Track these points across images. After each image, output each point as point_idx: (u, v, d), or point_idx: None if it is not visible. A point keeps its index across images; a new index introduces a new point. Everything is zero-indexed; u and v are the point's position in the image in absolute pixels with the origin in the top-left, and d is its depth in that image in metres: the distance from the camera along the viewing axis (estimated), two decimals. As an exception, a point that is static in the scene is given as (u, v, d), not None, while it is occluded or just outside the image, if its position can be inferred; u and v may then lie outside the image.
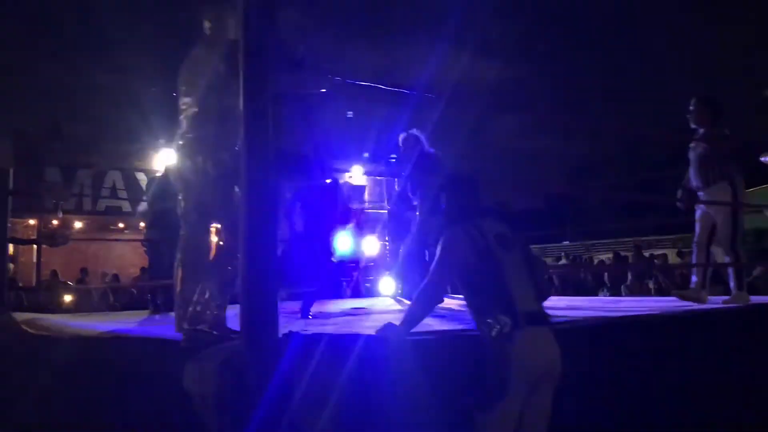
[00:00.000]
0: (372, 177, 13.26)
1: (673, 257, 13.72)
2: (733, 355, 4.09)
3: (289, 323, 3.46)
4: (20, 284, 12.68)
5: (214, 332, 3.18)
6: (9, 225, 6.40)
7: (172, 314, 4.20)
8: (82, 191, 16.07)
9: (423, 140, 5.91)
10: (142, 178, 15.10)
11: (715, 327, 4.40)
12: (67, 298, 10.39)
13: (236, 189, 3.12)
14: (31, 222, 15.77)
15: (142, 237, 7.11)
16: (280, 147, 3.01)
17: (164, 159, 7.85)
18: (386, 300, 6.53)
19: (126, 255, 15.57)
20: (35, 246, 15.05)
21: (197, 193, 3.58)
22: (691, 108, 5.47)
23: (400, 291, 6.62)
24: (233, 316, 3.06)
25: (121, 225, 16.81)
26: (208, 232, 3.74)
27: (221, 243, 3.62)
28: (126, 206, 16.39)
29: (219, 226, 3.70)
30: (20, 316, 5.76)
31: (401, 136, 6.01)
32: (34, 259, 15.29)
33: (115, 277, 13.34)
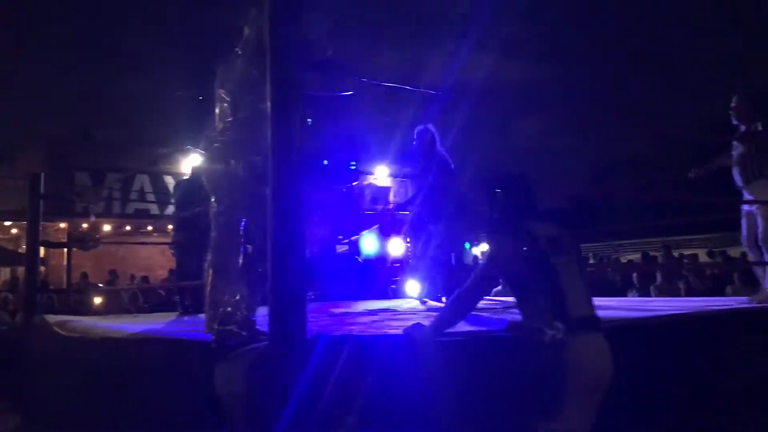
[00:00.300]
0: (397, 178, 13.25)
1: (703, 257, 13.50)
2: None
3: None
4: (51, 287, 12.89)
5: (244, 333, 3.20)
6: (41, 228, 6.53)
7: (201, 316, 4.25)
8: (112, 195, 16.31)
9: (437, 137, 5.85)
10: (169, 181, 15.29)
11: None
12: (97, 300, 10.52)
13: (267, 191, 3.13)
14: (62, 225, 16.05)
15: (170, 239, 7.18)
16: (307, 149, 3.02)
17: (192, 162, 7.93)
18: (412, 301, 6.51)
19: (154, 257, 15.74)
20: (66, 249, 15.34)
21: (228, 196, 3.61)
22: (733, 105, 5.42)
23: (424, 292, 6.61)
24: (262, 317, 3.08)
25: (149, 228, 17.01)
26: (238, 234, 3.78)
27: (251, 245, 3.65)
28: (154, 209, 16.62)
29: (249, 228, 3.74)
30: (52, 318, 5.85)
31: (416, 129, 5.95)
32: (65, 262, 15.58)
33: (145, 278, 13.49)
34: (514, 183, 3.04)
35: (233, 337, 3.18)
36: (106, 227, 16.51)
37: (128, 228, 17.15)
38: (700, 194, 5.88)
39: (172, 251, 6.91)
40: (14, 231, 17.35)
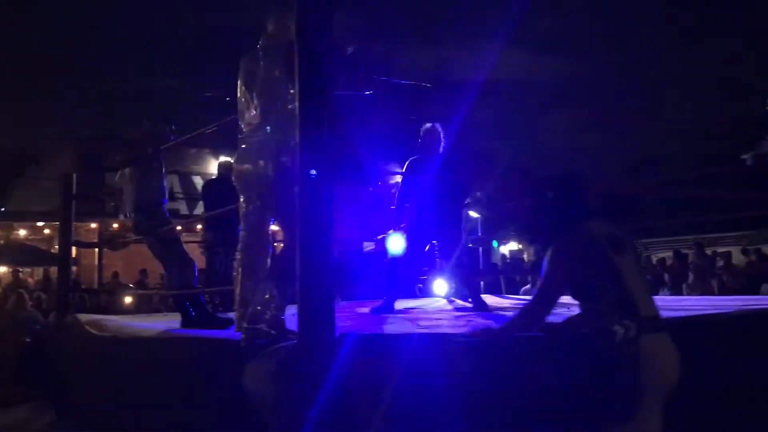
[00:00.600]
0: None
1: (737, 255, 13.23)
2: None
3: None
4: (83, 286, 13.10)
5: (273, 332, 3.20)
6: (73, 229, 6.63)
7: (231, 314, 4.26)
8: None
9: (442, 137, 5.77)
10: (198, 181, 15.44)
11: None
12: (128, 299, 10.65)
13: (296, 191, 3.13)
14: (93, 225, 16.30)
15: (199, 239, 7.24)
16: (336, 149, 3.00)
17: (221, 161, 7.98)
18: (439, 300, 6.48)
19: (184, 257, 15.89)
20: (97, 249, 15.61)
21: (257, 196, 3.62)
22: None
23: (452, 291, 6.57)
24: (291, 316, 3.08)
25: (179, 227, 17.16)
26: (267, 234, 3.79)
27: (280, 244, 3.66)
28: (184, 209, 16.79)
29: (278, 227, 3.75)
30: (84, 317, 5.93)
31: (423, 128, 5.88)
32: (96, 262, 15.87)
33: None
34: (564, 183, 2.96)
35: (262, 336, 3.18)
36: (136, 227, 16.69)
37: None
38: (734, 191, 5.77)
39: (202, 250, 6.97)
40: (47, 231, 17.70)
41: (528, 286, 8.72)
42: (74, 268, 10.99)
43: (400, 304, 5.46)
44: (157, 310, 9.48)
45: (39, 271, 16.79)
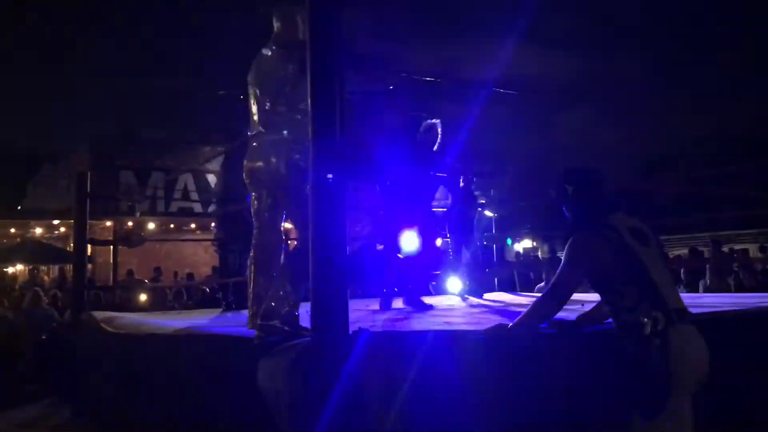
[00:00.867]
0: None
1: (754, 252, 13.11)
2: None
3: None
4: (98, 284, 13.19)
5: (286, 329, 3.20)
6: (87, 227, 6.66)
7: (244, 312, 4.27)
8: (156, 193, 16.62)
9: (440, 133, 5.75)
10: (212, 180, 15.51)
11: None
12: (143, 296, 10.71)
13: (308, 188, 3.13)
14: (108, 223, 16.42)
15: (212, 237, 7.26)
16: (348, 146, 2.99)
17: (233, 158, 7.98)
18: (453, 298, 6.46)
19: (198, 254, 16.00)
20: (112, 247, 15.74)
21: (270, 193, 3.62)
22: None
23: (466, 289, 6.55)
24: (305, 313, 3.07)
25: (192, 225, 17.27)
26: (280, 231, 3.79)
27: (293, 241, 3.65)
28: (197, 207, 16.89)
29: (291, 224, 3.74)
30: (99, 314, 5.97)
31: (423, 125, 5.86)
32: (111, 260, 15.99)
33: (190, 276, 13.69)
34: (584, 177, 2.93)
35: (276, 333, 3.17)
36: (151, 225, 16.84)
37: (172, 226, 17.45)
38: (750, 188, 5.70)
39: (215, 248, 6.98)
40: (62, 229, 17.85)
41: (542, 284, 8.68)
42: (89, 266, 11.09)
43: (414, 302, 5.43)
44: (172, 308, 9.52)
45: (55, 269, 16.96)
